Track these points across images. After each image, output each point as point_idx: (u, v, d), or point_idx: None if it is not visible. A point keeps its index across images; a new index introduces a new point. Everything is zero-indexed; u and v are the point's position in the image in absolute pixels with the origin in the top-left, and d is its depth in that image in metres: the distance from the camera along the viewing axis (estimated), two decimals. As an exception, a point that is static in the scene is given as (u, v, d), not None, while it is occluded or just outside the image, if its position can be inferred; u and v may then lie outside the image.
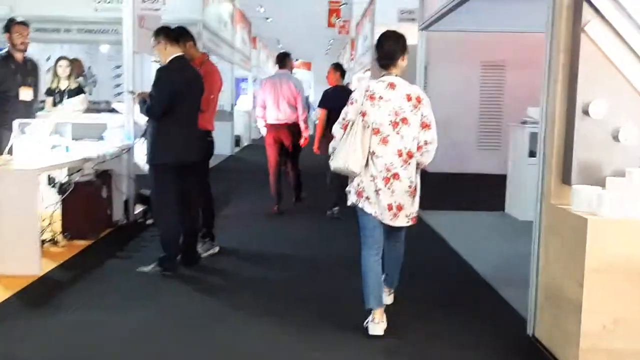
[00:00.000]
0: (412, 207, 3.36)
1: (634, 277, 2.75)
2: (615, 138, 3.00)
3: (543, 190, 3.30)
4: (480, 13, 6.98)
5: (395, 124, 3.21)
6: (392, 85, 3.27)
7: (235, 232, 6.03)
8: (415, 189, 3.36)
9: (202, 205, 4.90)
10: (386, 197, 3.26)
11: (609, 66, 2.97)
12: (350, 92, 5.18)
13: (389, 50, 3.35)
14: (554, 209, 3.15)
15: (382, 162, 3.25)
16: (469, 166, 10.37)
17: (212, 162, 5.54)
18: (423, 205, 3.59)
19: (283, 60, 7.00)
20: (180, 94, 4.28)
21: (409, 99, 3.24)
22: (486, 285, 4.45)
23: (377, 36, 3.57)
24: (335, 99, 6.26)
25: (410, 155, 3.26)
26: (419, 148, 3.29)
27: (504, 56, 10.52)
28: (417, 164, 3.34)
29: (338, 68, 7.02)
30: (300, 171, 7.40)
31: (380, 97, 3.25)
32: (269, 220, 6.78)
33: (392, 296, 3.81)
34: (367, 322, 3.39)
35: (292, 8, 24.34)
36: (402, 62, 3.36)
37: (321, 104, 6.90)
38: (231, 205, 7.59)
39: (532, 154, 6.72)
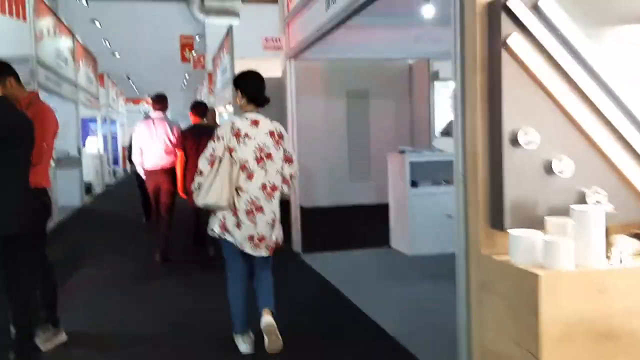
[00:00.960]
0: (272, 238, 3.49)
1: (600, 341, 2.24)
2: (549, 171, 2.52)
3: (468, 239, 2.76)
4: (345, 41, 6.59)
5: (259, 160, 3.34)
6: (255, 123, 3.41)
7: (88, 310, 4.74)
8: (277, 220, 3.50)
9: (38, 285, 3.78)
10: (249, 229, 3.38)
11: (535, 87, 2.51)
12: (210, 129, 5.40)
13: (259, 88, 3.53)
14: (486, 262, 2.59)
15: (247, 196, 3.35)
16: (343, 198, 9.96)
17: (56, 218, 4.43)
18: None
19: (159, 101, 6.59)
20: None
21: (272, 135, 3.39)
22: (389, 340, 3.83)
23: (238, 68, 3.34)
24: (194, 139, 6.10)
25: (274, 189, 3.40)
26: (285, 181, 3.46)
27: (367, 85, 10.34)
28: (281, 196, 3.50)
29: (193, 108, 6.61)
30: (170, 225, 6.49)
31: (246, 135, 3.36)
32: (134, 289, 5.50)
33: (270, 316, 3.64)
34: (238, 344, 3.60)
35: (140, 43, 23.10)
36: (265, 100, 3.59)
37: (179, 145, 6.20)
38: (82, 273, 6.15)
39: (414, 184, 6.37)
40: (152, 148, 6.31)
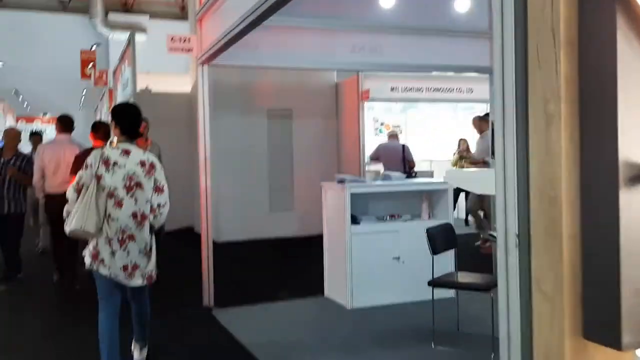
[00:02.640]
0: (148, 267, 3.48)
1: None
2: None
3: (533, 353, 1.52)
4: (268, 46, 5.36)
5: (129, 188, 3.37)
6: (126, 152, 3.43)
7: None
8: (150, 250, 3.49)
9: None
10: (122, 258, 3.39)
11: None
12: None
13: (133, 123, 3.56)
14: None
15: (117, 225, 3.37)
16: (263, 231, 8.62)
17: None
18: (218, 301, 3.79)
19: (65, 123, 6.27)
20: None
21: (143, 164, 3.41)
22: None
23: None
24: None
25: (144, 218, 3.42)
26: (152, 211, 3.45)
27: (290, 103, 9.15)
28: (151, 226, 3.48)
29: (93, 129, 5.60)
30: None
31: (115, 163, 3.39)
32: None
33: (144, 351, 3.83)
34: None
35: (33, 56, 20.80)
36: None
37: (74, 170, 4.85)
38: None
39: (354, 220, 5.15)
40: (58, 173, 5.92)
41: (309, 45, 5.58)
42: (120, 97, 13.63)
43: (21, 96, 20.79)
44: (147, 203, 3.44)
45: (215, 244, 5.52)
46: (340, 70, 8.24)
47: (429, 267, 4.23)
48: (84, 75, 20.89)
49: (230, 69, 8.58)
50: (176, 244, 8.14)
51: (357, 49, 5.70)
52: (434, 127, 10.92)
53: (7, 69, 17.04)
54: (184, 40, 5.20)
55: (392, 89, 8.93)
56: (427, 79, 9.09)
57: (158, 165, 3.51)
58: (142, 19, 24.33)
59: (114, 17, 23.94)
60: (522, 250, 1.55)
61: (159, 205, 3.48)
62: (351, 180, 5.19)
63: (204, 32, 5.24)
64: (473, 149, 10.19)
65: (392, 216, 5.38)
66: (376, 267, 5.14)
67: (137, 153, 3.46)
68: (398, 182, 5.43)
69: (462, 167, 9.74)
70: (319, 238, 5.64)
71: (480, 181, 2.96)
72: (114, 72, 14.66)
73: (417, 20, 5.77)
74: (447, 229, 4.34)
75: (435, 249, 4.08)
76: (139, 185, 3.40)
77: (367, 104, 8.89)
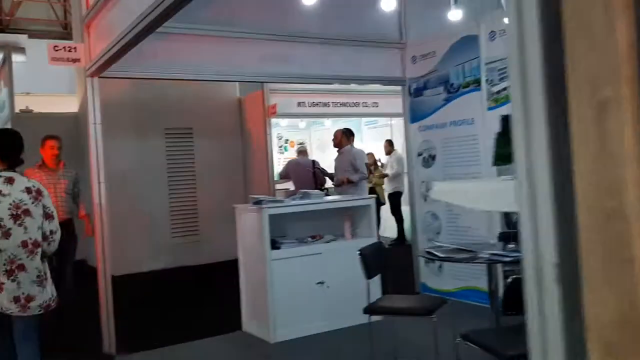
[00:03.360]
0: (44, 296, 3.29)
1: None
2: None
3: None
4: (166, 55, 4.81)
5: (16, 217, 3.22)
6: (11, 180, 3.29)
7: None
8: (45, 278, 3.33)
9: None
10: (13, 290, 3.20)
11: None
12: None
13: (13, 149, 3.40)
14: None
15: (5, 255, 3.20)
16: (166, 260, 7.87)
17: None
18: (121, 345, 3.50)
19: None
20: None
21: (29, 192, 3.29)
22: None
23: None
24: None
25: (35, 246, 3.27)
26: (45, 238, 3.32)
27: (190, 121, 8.52)
28: (44, 253, 3.34)
29: None
30: None
31: (0, 192, 3.24)
32: None
33: None
34: None
35: None
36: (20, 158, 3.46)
37: None
38: None
39: (273, 244, 4.65)
40: None
41: (212, 55, 5.06)
42: (-4, 121, 12.33)
43: None
44: (39, 230, 3.31)
45: (112, 277, 4.80)
46: (246, 82, 7.71)
47: (355, 290, 3.83)
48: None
49: (122, 84, 7.89)
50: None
51: (265, 58, 5.26)
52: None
53: None
54: (70, 49, 4.49)
55: (299, 104, 8.55)
56: (333, 94, 8.80)
57: (45, 191, 3.40)
58: (21, 39, 22.51)
59: (-13, 36, 21.96)
60: (565, 286, 1.12)
61: (51, 232, 3.38)
62: (268, 201, 4.69)
63: (92, 40, 4.57)
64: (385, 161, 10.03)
65: (313, 237, 4.94)
66: (299, 295, 4.67)
67: (21, 180, 3.34)
68: (318, 201, 5.00)
69: (370, 181, 9.54)
70: (229, 265, 5.11)
71: (485, 195, 2.59)
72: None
73: (326, 30, 5.45)
74: (378, 249, 3.96)
75: (369, 273, 3.67)
76: (26, 212, 3.26)
77: (272, 120, 8.44)
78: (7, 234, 3.19)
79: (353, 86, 8.83)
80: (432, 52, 5.56)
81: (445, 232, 5.54)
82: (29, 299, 3.25)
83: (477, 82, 5.10)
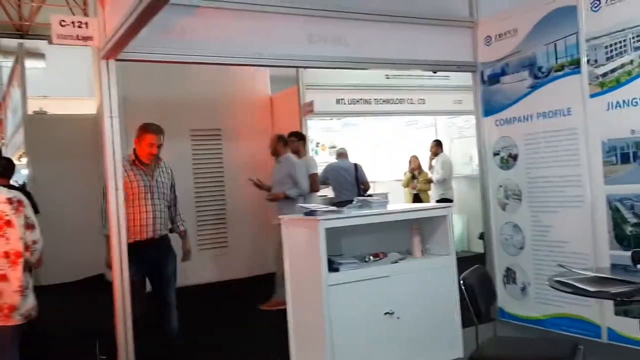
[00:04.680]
0: (26, 305, 3.24)
1: None
2: None
3: None
4: (200, 35, 3.89)
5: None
6: None
7: None
8: (27, 288, 3.26)
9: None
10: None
11: None
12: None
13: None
14: None
15: None
16: (191, 275, 6.94)
17: None
18: None
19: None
20: None
21: (11, 202, 3.24)
22: None
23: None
24: None
25: (18, 256, 3.21)
26: (27, 248, 3.26)
27: (218, 122, 7.63)
28: (26, 263, 3.28)
29: None
30: None
31: None
32: None
33: None
34: None
35: None
36: None
37: None
38: None
39: (331, 265, 3.68)
40: None
41: (250, 34, 4.12)
42: (10, 124, 11.54)
43: None
44: (20, 241, 3.25)
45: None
46: (289, 67, 6.70)
47: (433, 321, 3.05)
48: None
49: (143, 81, 7.03)
50: (84, 296, 6.39)
51: (314, 38, 4.31)
52: (376, 144, 9.64)
53: None
54: (80, 25, 3.57)
55: (338, 102, 7.59)
56: (374, 90, 7.83)
57: (26, 201, 3.33)
58: (40, 44, 21.88)
59: (7, 42, 21.35)
60: None
61: (33, 242, 3.32)
62: (324, 211, 3.72)
63: (107, 14, 3.65)
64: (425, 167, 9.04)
65: (375, 256, 3.97)
66: (363, 328, 3.69)
67: (3, 191, 3.29)
68: (383, 211, 4.02)
69: (415, 187, 8.55)
70: (266, 280, 4.23)
71: None
72: (3, 97, 12.52)
73: (383, 5, 4.52)
74: (484, 275, 2.97)
75: (478, 309, 2.68)
76: (9, 223, 3.22)
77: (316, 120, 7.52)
78: None
79: (398, 81, 7.87)
80: (513, 30, 4.56)
81: (529, 248, 4.53)
82: (11, 308, 3.24)
83: (576, 63, 4.10)
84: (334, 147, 9.85)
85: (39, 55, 21.21)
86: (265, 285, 6.01)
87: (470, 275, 2.80)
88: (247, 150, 7.71)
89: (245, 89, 7.86)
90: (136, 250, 3.88)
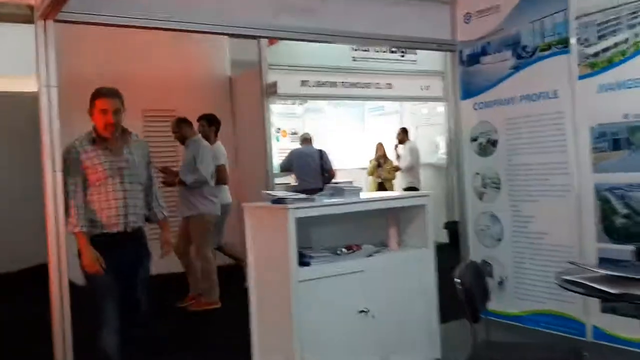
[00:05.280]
0: None
1: None
2: None
3: None
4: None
5: None
6: None
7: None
8: None
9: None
10: None
11: None
12: None
13: None
14: None
15: None
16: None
17: None
18: None
19: None
20: None
21: None
22: None
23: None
24: None
25: None
26: None
27: (172, 103, 7.10)
28: None
29: None
30: None
31: None
32: None
33: None
34: None
35: None
36: None
37: None
38: None
39: (301, 258, 3.29)
40: None
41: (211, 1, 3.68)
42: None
43: None
44: None
45: (72, 286, 3.34)
46: (256, 37, 6.16)
47: (410, 320, 3.15)
48: None
49: (87, 58, 6.49)
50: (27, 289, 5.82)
51: (283, 9, 3.89)
52: (339, 131, 9.28)
53: None
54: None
55: (303, 84, 7.16)
56: (340, 73, 7.43)
57: None
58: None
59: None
60: None
61: None
62: (293, 199, 3.31)
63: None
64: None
65: (348, 248, 3.59)
66: (335, 327, 3.32)
67: None
68: (358, 199, 3.65)
69: (380, 176, 8.24)
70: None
71: None
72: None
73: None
74: (477, 272, 2.63)
75: (475, 311, 2.33)
76: None
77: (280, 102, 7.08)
78: None
79: (365, 64, 7.51)
80: (495, 7, 4.24)
81: (508, 239, 4.25)
82: None
83: (564, 42, 3.81)
84: (295, 133, 9.45)
85: (-19, 32, 20.04)
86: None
87: (465, 273, 2.45)
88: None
89: (203, 68, 7.36)
90: (103, 245, 3.17)
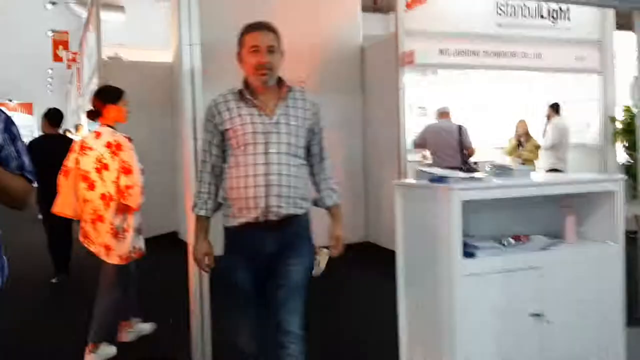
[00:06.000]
0: (122, 248, 3.43)
1: None
2: None
3: None
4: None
5: (98, 170, 3.36)
6: (98, 135, 3.46)
7: None
8: (122, 231, 3.42)
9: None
10: (95, 237, 3.42)
11: None
12: (62, 140, 5.73)
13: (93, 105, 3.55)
14: None
15: (90, 206, 3.40)
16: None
17: None
18: None
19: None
20: None
21: (109, 146, 3.37)
22: None
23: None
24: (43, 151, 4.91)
25: (111, 199, 3.37)
26: (121, 192, 3.36)
27: (302, 74, 6.78)
28: (121, 206, 3.39)
29: (45, 117, 5.83)
30: None
31: (89, 147, 3.42)
32: None
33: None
34: None
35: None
36: (110, 112, 3.50)
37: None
38: None
39: (467, 250, 2.78)
40: None
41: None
42: (87, 69, 11.14)
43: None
44: (114, 184, 3.39)
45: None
46: None
47: (587, 324, 2.50)
48: (56, 57, 18.28)
49: (220, 25, 6.29)
50: (158, 255, 5.84)
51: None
52: (480, 105, 8.46)
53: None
54: None
55: (442, 52, 6.55)
56: (483, 41, 6.72)
57: (126, 144, 3.43)
58: (120, -3, 21.64)
59: (88, -7, 21.23)
60: None
61: (127, 187, 3.38)
62: (458, 178, 2.80)
63: None
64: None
65: (516, 238, 3.03)
66: (502, 332, 2.80)
67: (107, 134, 3.45)
68: (531, 182, 3.07)
69: (520, 156, 7.45)
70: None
71: None
72: (80, 43, 12.17)
73: None
74: None
75: None
76: (106, 166, 3.37)
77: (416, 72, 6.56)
78: (92, 186, 3.37)
79: (512, 31, 6.76)
80: None
81: None
82: (108, 247, 3.41)
83: None
84: (422, 107, 8.81)
85: (118, 8, 21.06)
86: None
87: None
88: (333, 106, 6.84)
89: (335, 36, 6.96)
90: (242, 240, 2.38)
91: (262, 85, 2.36)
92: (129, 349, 3.69)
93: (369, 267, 5.58)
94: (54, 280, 5.64)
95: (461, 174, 2.90)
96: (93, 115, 3.52)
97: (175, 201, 6.86)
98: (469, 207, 2.80)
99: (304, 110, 2.44)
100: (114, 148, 3.35)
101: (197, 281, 3.08)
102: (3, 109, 1.90)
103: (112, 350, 3.55)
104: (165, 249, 5.99)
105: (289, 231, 2.36)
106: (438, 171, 2.96)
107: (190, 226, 2.81)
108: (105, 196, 3.34)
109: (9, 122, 1.82)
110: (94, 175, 3.35)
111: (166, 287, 4.54)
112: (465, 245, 2.78)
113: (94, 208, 3.36)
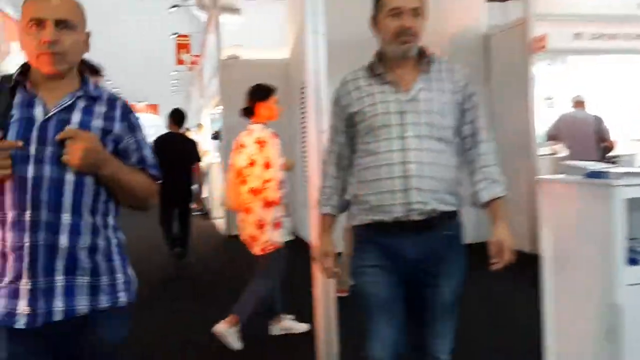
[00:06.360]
0: (262, 239, 3.55)
1: None
2: None
3: None
4: None
5: (250, 165, 3.51)
6: (249, 132, 3.60)
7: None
8: (264, 223, 3.53)
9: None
10: (243, 229, 3.63)
11: None
12: (182, 138, 6.16)
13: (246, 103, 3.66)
14: None
15: (242, 199, 3.57)
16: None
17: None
18: None
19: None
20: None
21: (258, 142, 3.52)
22: None
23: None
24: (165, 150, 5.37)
25: (257, 192, 3.50)
26: (262, 186, 3.49)
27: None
28: (268, 200, 3.50)
29: (170, 116, 6.14)
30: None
31: (242, 144, 3.57)
32: None
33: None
34: None
35: (123, 45, 19.41)
36: (261, 110, 3.62)
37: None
38: None
39: (633, 257, 2.39)
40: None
41: None
42: (207, 69, 11.54)
43: (108, 82, 19.39)
44: (259, 178, 3.55)
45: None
46: None
47: None
48: (179, 61, 19.21)
49: (344, 20, 6.11)
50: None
51: None
52: (615, 95, 7.68)
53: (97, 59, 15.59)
54: None
55: (576, 36, 5.98)
56: (623, 23, 6.05)
57: (271, 141, 3.56)
58: (237, 1, 22.34)
59: (207, -1, 22.12)
60: None
61: (266, 180, 3.54)
62: (620, 173, 2.43)
63: None
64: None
65: (688, 243, 2.58)
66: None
67: (255, 129, 3.60)
68: None
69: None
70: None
71: None
72: (201, 44, 12.64)
73: None
74: None
75: None
76: (253, 162, 3.54)
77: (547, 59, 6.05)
78: (242, 182, 3.55)
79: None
80: None
81: None
82: (253, 238, 3.58)
83: None
84: (549, 98, 8.15)
85: (235, 11, 21.76)
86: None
87: None
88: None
89: (458, 23, 6.59)
90: (376, 242, 1.98)
91: (403, 55, 1.95)
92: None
93: (501, 272, 5.16)
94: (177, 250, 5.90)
95: (623, 168, 2.51)
96: (246, 113, 3.64)
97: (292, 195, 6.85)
98: (634, 206, 2.41)
99: (452, 83, 1.97)
100: (261, 144, 3.50)
101: (322, 285, 2.90)
102: (122, 97, 1.69)
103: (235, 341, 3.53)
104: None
105: (435, 235, 1.92)
106: (592, 165, 2.59)
107: (312, 225, 2.66)
108: (252, 190, 3.49)
109: (126, 110, 1.60)
110: (245, 171, 3.52)
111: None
112: (629, 250, 2.40)
113: (245, 201, 3.54)
